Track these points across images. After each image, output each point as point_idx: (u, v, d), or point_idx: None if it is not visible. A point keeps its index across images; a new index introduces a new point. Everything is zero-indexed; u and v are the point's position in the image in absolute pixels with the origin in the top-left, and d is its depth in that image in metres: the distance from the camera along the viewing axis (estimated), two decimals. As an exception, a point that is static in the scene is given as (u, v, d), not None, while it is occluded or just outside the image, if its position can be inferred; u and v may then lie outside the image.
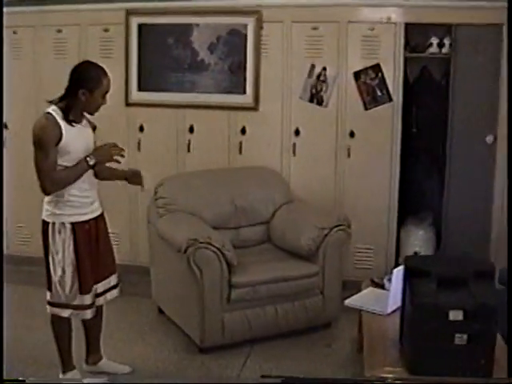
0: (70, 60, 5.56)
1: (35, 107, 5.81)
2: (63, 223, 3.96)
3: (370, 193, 5.74)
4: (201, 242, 4.61)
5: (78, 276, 4.00)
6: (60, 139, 3.82)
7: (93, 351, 4.49)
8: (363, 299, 4.51)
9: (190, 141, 6.01)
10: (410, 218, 5.96)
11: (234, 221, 5.43)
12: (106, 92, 3.95)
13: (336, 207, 5.75)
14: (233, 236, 5.32)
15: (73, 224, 3.97)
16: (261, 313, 4.86)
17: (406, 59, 5.56)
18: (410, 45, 5.61)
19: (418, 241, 5.83)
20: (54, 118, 3.84)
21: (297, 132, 5.80)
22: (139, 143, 6.09)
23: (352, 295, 4.62)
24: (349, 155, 5.73)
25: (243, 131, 5.91)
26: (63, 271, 3.99)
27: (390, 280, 4.32)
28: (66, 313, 4.08)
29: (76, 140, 3.91)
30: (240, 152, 5.93)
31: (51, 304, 4.10)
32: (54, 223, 3.96)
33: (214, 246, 4.63)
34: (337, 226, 5.03)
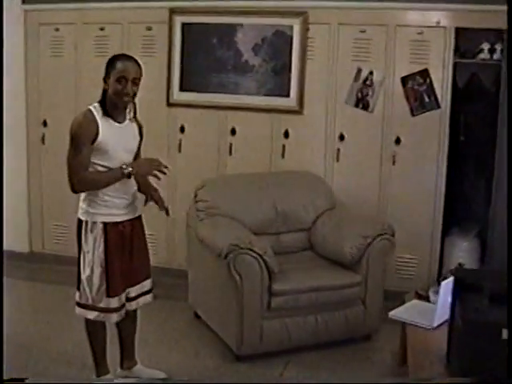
0: None
1: (75, 105, 5.94)
2: (95, 222, 3.85)
3: (414, 201, 5.61)
4: (242, 248, 4.50)
5: (107, 278, 3.89)
6: (96, 137, 3.72)
7: (127, 356, 4.36)
8: (408, 312, 4.35)
9: (231, 143, 5.93)
10: (455, 229, 5.80)
11: (274, 226, 5.31)
12: (123, 77, 3.73)
13: (379, 215, 5.64)
14: (273, 242, 5.20)
15: (105, 224, 3.87)
16: (300, 322, 4.74)
17: (455, 65, 5.42)
18: (460, 50, 5.45)
19: (463, 252, 5.64)
20: (93, 114, 3.75)
21: (341, 137, 5.70)
22: (180, 144, 6.03)
23: (394, 307, 4.46)
24: (394, 162, 5.61)
25: (286, 135, 5.82)
26: (92, 271, 3.89)
27: (436, 292, 4.20)
28: (91, 315, 3.97)
29: (115, 139, 3.80)
30: (283, 156, 5.84)
31: (79, 305, 4.00)
32: (86, 222, 3.87)
33: (255, 252, 4.52)
34: (381, 235, 4.89)
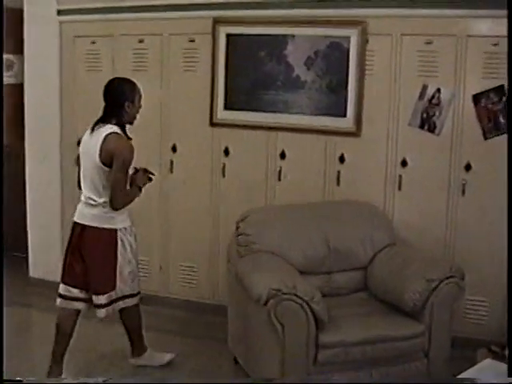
0: (152, 73, 5.31)
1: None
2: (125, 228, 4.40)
3: (486, 236, 5.06)
4: (285, 293, 3.98)
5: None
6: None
7: (136, 346, 4.77)
8: (480, 375, 3.68)
9: (281, 168, 5.47)
10: None
11: (326, 264, 4.78)
12: (140, 96, 4.35)
13: (447, 253, 5.13)
14: (324, 282, 4.72)
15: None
16: (353, 377, 4.14)
17: None
18: None
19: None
20: (124, 137, 4.26)
21: (403, 163, 5.19)
22: (224, 168, 5.61)
23: (462, 357, 4.10)
24: (464, 192, 5.08)
25: (342, 159, 5.33)
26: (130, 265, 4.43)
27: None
28: (134, 301, 4.54)
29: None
30: (338, 183, 5.36)
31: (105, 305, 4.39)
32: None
33: (300, 298, 3.99)
34: (448, 278, 4.32)
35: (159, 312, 5.70)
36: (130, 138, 4.27)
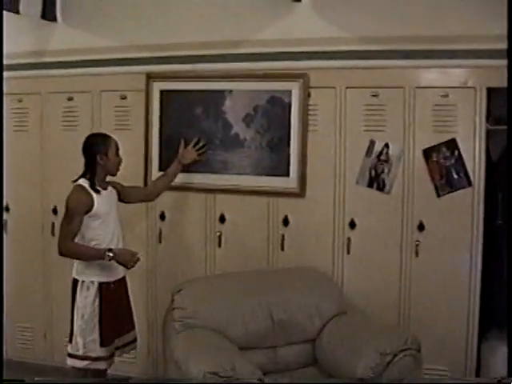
0: (82, 132, 5.05)
1: (41, 187, 5.57)
2: (92, 281, 4.34)
3: (443, 300, 4.81)
4: (222, 377, 3.62)
5: (100, 329, 4.34)
6: (91, 207, 4.28)
7: None
8: None
9: (221, 232, 5.16)
10: (494, 332, 4.93)
11: (270, 338, 4.44)
12: (117, 149, 4.47)
13: (401, 320, 4.85)
14: (268, 358, 4.41)
15: (100, 283, 4.35)
16: None
17: (488, 133, 4.77)
18: (494, 115, 4.81)
19: (505, 360, 4.69)
20: (86, 188, 4.31)
21: (352, 224, 4.92)
22: (160, 234, 5.31)
23: None
24: (417, 253, 4.81)
25: (286, 222, 5.05)
26: (86, 324, 4.34)
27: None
28: (82, 364, 4.37)
29: (105, 205, 4.38)
30: (282, 248, 5.06)
31: (70, 355, 4.40)
32: (83, 281, 4.36)
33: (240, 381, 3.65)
34: (403, 350, 4.02)
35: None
36: (96, 191, 4.33)
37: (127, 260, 4.31)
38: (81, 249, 4.30)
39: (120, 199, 4.63)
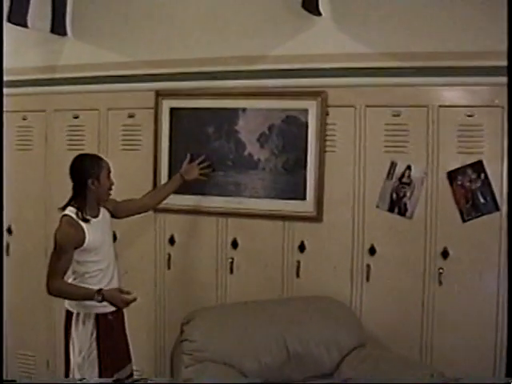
0: (88, 152, 4.85)
1: (45, 208, 5.40)
2: (88, 313, 4.14)
3: (469, 331, 4.58)
4: None
5: (99, 363, 4.17)
6: (83, 241, 4.03)
7: None
8: None
9: (233, 259, 4.98)
10: None
11: (285, 373, 4.23)
12: (109, 172, 4.20)
13: (424, 353, 4.63)
14: None
15: (97, 315, 4.15)
16: None
17: None
18: None
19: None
20: (76, 220, 4.03)
21: (372, 250, 4.73)
22: (169, 259, 5.12)
23: None
24: (440, 282, 4.61)
25: (302, 248, 4.87)
26: (83, 358, 4.15)
27: None
28: None
29: (98, 235, 4.13)
30: (297, 275, 4.87)
31: None
32: (78, 313, 4.15)
33: None
34: None
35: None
36: (85, 220, 4.08)
37: (117, 302, 4.10)
38: (70, 288, 4.10)
39: (113, 216, 4.44)
